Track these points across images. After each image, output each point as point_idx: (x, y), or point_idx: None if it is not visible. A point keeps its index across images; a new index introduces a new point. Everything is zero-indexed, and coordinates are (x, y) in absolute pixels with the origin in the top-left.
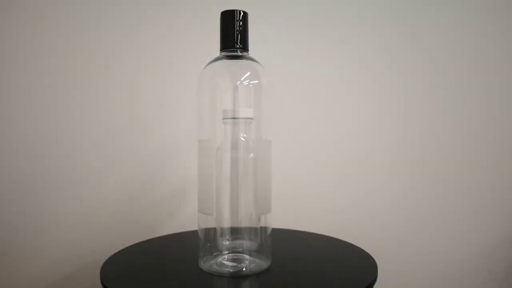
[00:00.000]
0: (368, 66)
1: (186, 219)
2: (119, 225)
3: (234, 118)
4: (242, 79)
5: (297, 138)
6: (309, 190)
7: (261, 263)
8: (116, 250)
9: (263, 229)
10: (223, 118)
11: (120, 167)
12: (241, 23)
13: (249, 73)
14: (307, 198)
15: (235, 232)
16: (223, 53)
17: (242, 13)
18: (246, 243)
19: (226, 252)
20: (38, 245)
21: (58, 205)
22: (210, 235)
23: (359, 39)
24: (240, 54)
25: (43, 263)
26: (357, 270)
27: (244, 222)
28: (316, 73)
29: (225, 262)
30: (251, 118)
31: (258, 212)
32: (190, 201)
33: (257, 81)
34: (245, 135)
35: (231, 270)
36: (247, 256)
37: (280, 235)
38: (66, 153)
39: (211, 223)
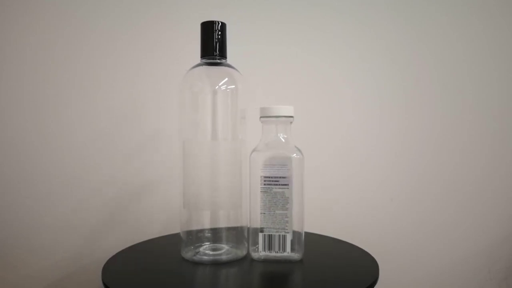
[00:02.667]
0: (368, 65)
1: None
2: (120, 225)
3: (276, 116)
4: (220, 84)
5: (296, 138)
6: (309, 191)
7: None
8: (118, 250)
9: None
10: (261, 117)
11: (122, 166)
12: (219, 32)
13: (226, 78)
14: (307, 198)
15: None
16: (203, 60)
17: (220, 24)
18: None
19: (208, 243)
20: (38, 245)
21: (58, 205)
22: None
23: (359, 39)
24: (218, 61)
25: (43, 263)
26: (358, 270)
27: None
28: (314, 75)
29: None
30: (292, 117)
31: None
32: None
33: (234, 86)
34: (285, 136)
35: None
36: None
37: None
38: (66, 152)
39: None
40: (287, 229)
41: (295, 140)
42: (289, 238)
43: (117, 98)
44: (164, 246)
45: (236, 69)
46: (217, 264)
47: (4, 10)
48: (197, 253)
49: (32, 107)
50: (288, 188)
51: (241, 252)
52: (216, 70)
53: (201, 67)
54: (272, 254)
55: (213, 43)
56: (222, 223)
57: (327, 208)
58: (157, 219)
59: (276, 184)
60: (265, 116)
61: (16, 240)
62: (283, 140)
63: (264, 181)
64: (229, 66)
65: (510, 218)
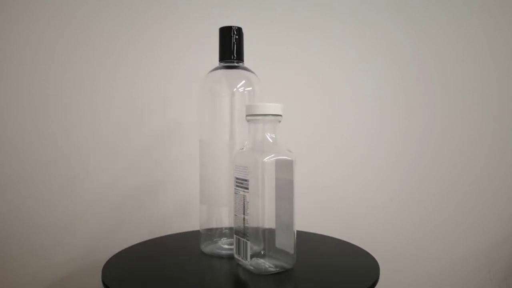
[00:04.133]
0: (368, 65)
1: (188, 219)
2: (120, 225)
3: (263, 115)
4: (238, 86)
5: (296, 139)
6: (309, 191)
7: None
8: (118, 250)
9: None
10: (247, 116)
11: (121, 166)
12: (237, 37)
13: (244, 81)
14: (307, 198)
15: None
16: (222, 63)
17: (237, 28)
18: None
19: (225, 238)
20: (38, 245)
21: (58, 205)
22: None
23: (359, 39)
24: (236, 64)
25: (43, 263)
26: (358, 271)
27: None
28: (314, 75)
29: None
30: (280, 115)
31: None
32: (191, 201)
33: (251, 88)
34: (273, 135)
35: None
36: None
37: None
38: (66, 152)
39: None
40: (247, 236)
41: (291, 140)
42: (249, 246)
43: (117, 98)
44: (164, 246)
45: (253, 72)
46: (231, 259)
47: (4, 10)
48: (215, 247)
49: (32, 107)
50: (248, 192)
51: (258, 247)
52: (234, 73)
53: (219, 70)
54: (241, 260)
55: (230, 47)
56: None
57: (327, 208)
58: (156, 220)
59: (240, 187)
60: (251, 114)
61: (16, 240)
62: (271, 141)
63: (235, 182)
64: (246, 69)
65: (510, 218)
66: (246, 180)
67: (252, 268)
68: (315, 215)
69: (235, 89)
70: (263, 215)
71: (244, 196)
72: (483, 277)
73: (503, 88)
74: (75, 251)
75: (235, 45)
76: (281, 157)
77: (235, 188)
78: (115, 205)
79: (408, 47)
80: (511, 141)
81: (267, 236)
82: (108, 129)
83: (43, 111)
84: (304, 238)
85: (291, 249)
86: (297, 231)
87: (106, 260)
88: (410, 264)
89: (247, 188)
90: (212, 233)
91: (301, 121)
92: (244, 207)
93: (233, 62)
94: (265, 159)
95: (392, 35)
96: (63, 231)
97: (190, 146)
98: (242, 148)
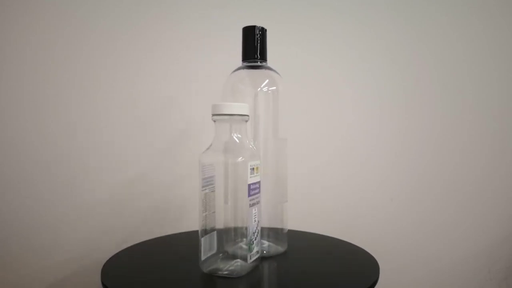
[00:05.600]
0: (368, 65)
1: (187, 220)
2: (120, 225)
3: (230, 115)
4: (262, 85)
5: (296, 139)
6: (309, 191)
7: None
8: (117, 250)
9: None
10: (213, 115)
11: (121, 166)
12: (260, 37)
13: (268, 80)
14: (307, 198)
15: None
16: (245, 63)
17: (261, 28)
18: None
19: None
20: (38, 245)
21: (58, 205)
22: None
23: (359, 39)
24: (260, 64)
25: (43, 263)
26: (358, 271)
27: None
28: (314, 75)
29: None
30: (247, 115)
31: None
32: (191, 202)
33: (274, 87)
34: (239, 135)
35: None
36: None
37: None
38: (66, 152)
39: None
40: (205, 235)
41: (291, 140)
42: (203, 245)
43: (117, 98)
44: (164, 246)
45: (276, 71)
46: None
47: (4, 10)
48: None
49: (32, 107)
50: (213, 191)
51: (282, 248)
52: (257, 72)
53: (242, 70)
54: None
55: (254, 47)
56: (264, 222)
57: (327, 208)
58: (156, 220)
59: (205, 186)
60: (217, 114)
61: (16, 240)
62: (237, 141)
63: (201, 181)
64: (269, 68)
65: (510, 218)
66: (211, 179)
67: (204, 269)
68: (315, 215)
69: (259, 88)
70: (225, 215)
71: (207, 195)
72: (483, 277)
73: (503, 88)
74: (75, 251)
75: (258, 45)
76: (246, 158)
77: (201, 187)
78: (115, 205)
79: (408, 47)
80: (511, 141)
81: (224, 236)
82: (108, 129)
83: (43, 111)
84: (304, 238)
85: (246, 251)
86: (297, 231)
87: (106, 260)
88: (410, 264)
89: (211, 187)
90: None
91: (301, 121)
92: (206, 206)
93: (257, 62)
94: (230, 160)
95: (392, 35)
96: (63, 231)
97: (190, 146)
98: (208, 148)
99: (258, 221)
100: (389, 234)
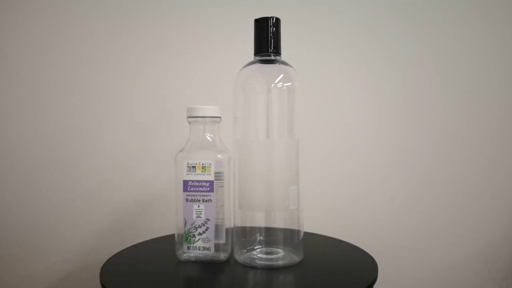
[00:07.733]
0: (368, 65)
1: None
2: (120, 225)
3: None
4: (276, 81)
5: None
6: (310, 190)
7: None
8: (117, 250)
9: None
10: (188, 117)
11: (121, 167)
12: (274, 28)
13: (282, 75)
14: (307, 198)
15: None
16: (257, 57)
17: (275, 19)
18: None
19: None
20: (38, 245)
21: (58, 205)
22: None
23: (359, 39)
24: (273, 58)
25: (43, 263)
26: (357, 270)
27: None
28: (314, 75)
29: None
30: (219, 117)
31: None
32: None
33: (290, 84)
34: (211, 135)
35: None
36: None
37: None
38: (66, 153)
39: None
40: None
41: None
42: (177, 241)
43: (117, 98)
44: (163, 246)
45: (292, 66)
46: (270, 269)
47: (4, 10)
48: (250, 256)
49: (32, 107)
50: (187, 191)
51: (298, 257)
52: (271, 67)
53: (255, 64)
54: None
55: (267, 39)
56: (278, 225)
57: (327, 208)
58: (156, 220)
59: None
60: (191, 116)
61: (16, 240)
62: (210, 140)
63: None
64: (284, 63)
65: (510, 218)
66: (188, 180)
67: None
68: (315, 215)
69: (272, 84)
70: (197, 213)
71: (184, 195)
72: (483, 277)
73: (503, 88)
74: (74, 251)
75: (272, 38)
76: (218, 156)
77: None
78: (115, 205)
79: (408, 47)
80: (511, 141)
81: (192, 233)
82: (108, 129)
83: (43, 111)
84: (303, 238)
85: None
86: (297, 231)
87: (105, 260)
88: (410, 264)
89: (186, 187)
90: (247, 241)
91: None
92: (183, 206)
93: (270, 56)
94: (203, 159)
95: (392, 35)
96: (63, 231)
97: None
98: (182, 149)
99: (208, 219)
100: (389, 234)
